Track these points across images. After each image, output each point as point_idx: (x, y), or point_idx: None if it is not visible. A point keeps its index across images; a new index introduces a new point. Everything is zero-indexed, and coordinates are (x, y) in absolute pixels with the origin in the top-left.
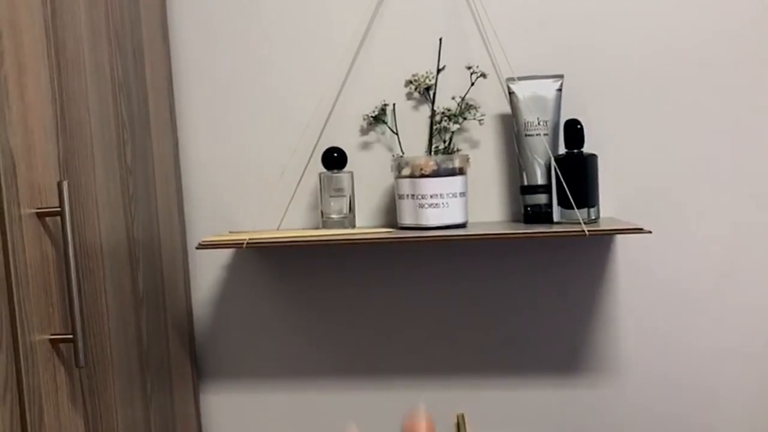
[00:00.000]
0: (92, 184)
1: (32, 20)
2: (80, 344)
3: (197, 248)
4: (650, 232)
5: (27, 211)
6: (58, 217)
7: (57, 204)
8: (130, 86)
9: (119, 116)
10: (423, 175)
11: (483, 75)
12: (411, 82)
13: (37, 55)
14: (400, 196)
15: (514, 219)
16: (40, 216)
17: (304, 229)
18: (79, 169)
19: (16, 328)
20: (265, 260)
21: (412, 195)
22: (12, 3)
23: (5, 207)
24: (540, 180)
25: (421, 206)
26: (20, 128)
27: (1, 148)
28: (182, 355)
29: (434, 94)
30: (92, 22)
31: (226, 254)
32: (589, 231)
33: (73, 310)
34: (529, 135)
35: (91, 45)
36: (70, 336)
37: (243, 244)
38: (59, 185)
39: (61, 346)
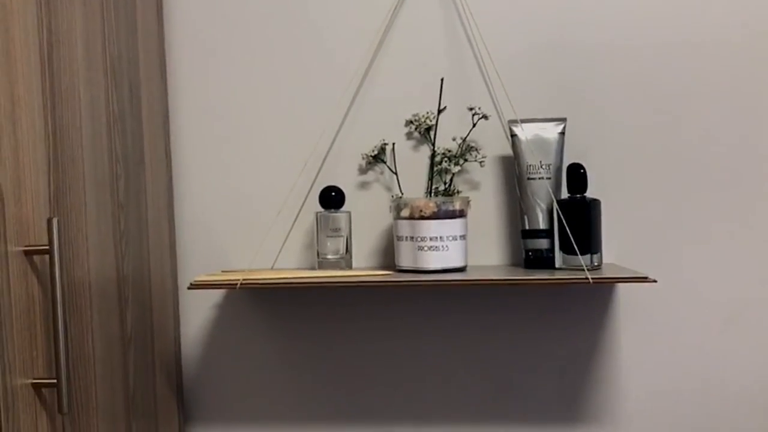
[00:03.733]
0: (83, 221)
1: (28, 53)
2: (64, 389)
3: (189, 288)
4: (655, 281)
5: (14, 248)
6: (47, 256)
7: (46, 242)
8: (126, 121)
9: (113, 151)
10: (422, 217)
11: (485, 116)
12: (411, 122)
13: (31, 88)
14: (399, 238)
15: (515, 263)
16: (28, 254)
17: (298, 269)
18: (70, 205)
19: None
20: (258, 300)
21: (411, 237)
22: (7, 34)
23: None
24: (542, 224)
25: (420, 248)
26: (11, 163)
27: None
28: (169, 398)
29: (435, 134)
30: (89, 56)
31: (217, 293)
32: (593, 279)
33: (59, 354)
34: (532, 178)
35: (86, 79)
36: (54, 381)
37: (236, 285)
38: (49, 222)
39: (44, 391)
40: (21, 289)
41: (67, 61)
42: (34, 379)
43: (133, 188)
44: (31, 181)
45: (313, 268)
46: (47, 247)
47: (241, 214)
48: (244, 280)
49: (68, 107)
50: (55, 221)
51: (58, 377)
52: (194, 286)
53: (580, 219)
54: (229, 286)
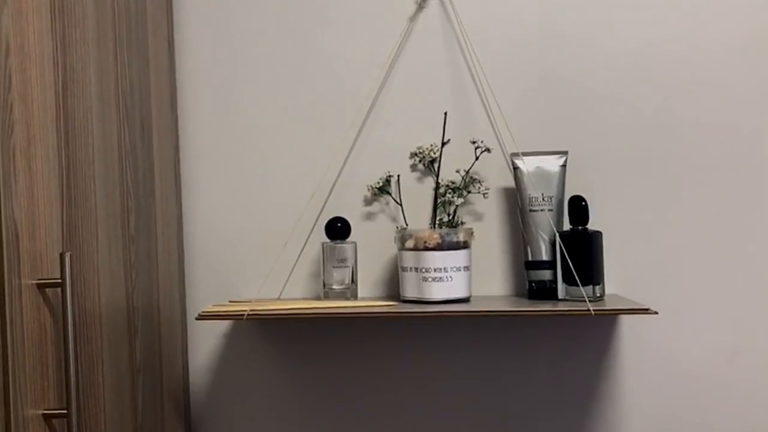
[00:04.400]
0: (94, 254)
1: (43, 91)
2: (74, 420)
3: (197, 319)
4: (656, 312)
5: (27, 281)
6: (59, 289)
7: (58, 275)
8: (137, 154)
9: (124, 185)
10: (427, 248)
11: (487, 150)
12: (416, 154)
13: (46, 125)
14: (404, 269)
15: (518, 293)
16: (41, 287)
17: (305, 298)
18: (82, 238)
19: (9, 402)
20: (264, 330)
21: (416, 268)
22: (24, 74)
23: (5, 278)
24: (545, 255)
25: (425, 279)
26: (25, 199)
27: (5, 218)
28: (177, 427)
29: (439, 166)
30: (102, 92)
31: (225, 323)
32: (594, 310)
33: (69, 385)
34: (534, 210)
35: (99, 114)
36: (65, 411)
37: (244, 315)
38: (61, 257)
39: (55, 421)
40: (33, 321)
41: (81, 97)
42: (45, 410)
43: (143, 221)
44: (44, 216)
45: (319, 298)
46: (59, 281)
47: (248, 244)
48: (251, 311)
49: (81, 143)
50: (67, 256)
51: (68, 408)
52: (203, 317)
53: (581, 251)
54: (237, 317)
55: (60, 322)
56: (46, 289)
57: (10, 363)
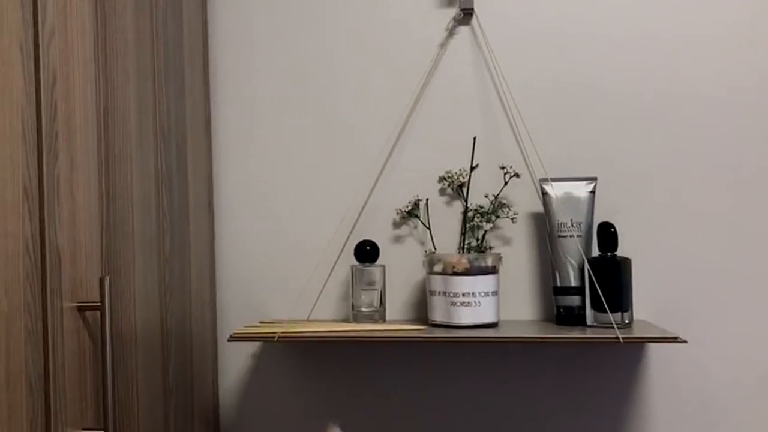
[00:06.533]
0: (131, 276)
1: (86, 119)
2: None
3: (229, 340)
4: (685, 341)
5: (68, 304)
6: (98, 312)
7: (98, 298)
8: (172, 178)
9: (160, 208)
10: (455, 273)
11: (516, 175)
12: (444, 178)
13: (88, 152)
14: (432, 293)
15: (546, 318)
16: (81, 310)
17: (334, 320)
18: (120, 262)
19: (50, 421)
20: (294, 350)
21: (444, 292)
22: (68, 103)
23: (48, 301)
24: (573, 281)
25: (453, 304)
26: (68, 225)
27: (49, 244)
28: None
29: (467, 191)
30: (141, 119)
31: (255, 344)
32: (623, 338)
33: (107, 405)
34: (563, 236)
35: (138, 141)
36: (102, 430)
37: (275, 337)
38: (101, 281)
39: None
40: (74, 344)
41: (121, 124)
42: (83, 428)
43: (177, 243)
44: (85, 241)
45: (347, 320)
46: (99, 304)
47: (278, 266)
48: (281, 333)
49: (121, 168)
50: (107, 280)
51: (105, 427)
52: (234, 338)
53: (610, 277)
54: (268, 338)
55: (98, 344)
56: (86, 312)
57: (51, 383)
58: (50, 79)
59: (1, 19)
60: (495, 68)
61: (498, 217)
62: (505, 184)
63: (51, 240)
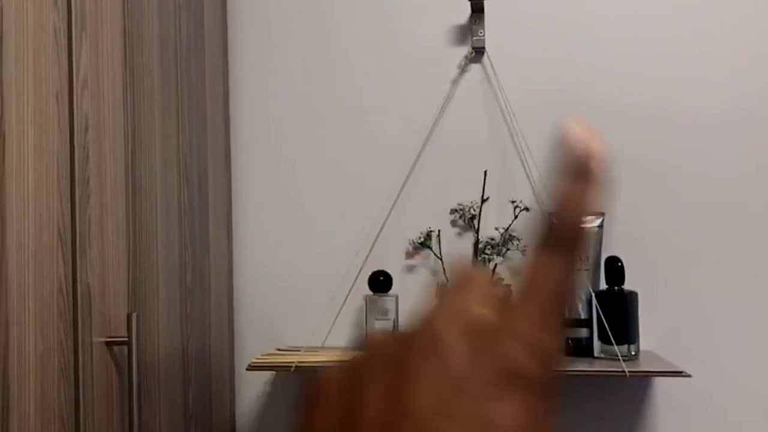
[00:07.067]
0: (155, 309)
1: (115, 161)
2: None
3: (247, 370)
4: (690, 375)
5: (97, 339)
6: (125, 346)
7: (125, 333)
8: (194, 211)
9: (183, 241)
10: None
11: (526, 209)
12: (456, 210)
13: (117, 192)
14: None
15: None
16: (109, 344)
17: (348, 347)
18: (145, 296)
19: None
20: (309, 378)
21: None
22: (99, 147)
23: (80, 337)
24: (581, 314)
25: None
26: (97, 263)
27: (80, 284)
28: None
29: (479, 222)
30: (165, 155)
31: (272, 372)
32: (629, 372)
33: None
34: None
35: (162, 177)
36: None
37: (291, 367)
38: (128, 318)
39: None
40: (102, 377)
41: (147, 163)
42: None
43: (198, 274)
44: (113, 277)
45: None
46: (126, 339)
47: (295, 295)
48: (298, 362)
49: (147, 205)
50: (134, 316)
51: None
52: (252, 368)
53: (617, 310)
54: (285, 368)
55: (125, 377)
56: (114, 347)
57: (81, 415)
58: (83, 125)
59: (40, 73)
60: (505, 105)
61: (508, 249)
62: (515, 217)
63: (82, 280)
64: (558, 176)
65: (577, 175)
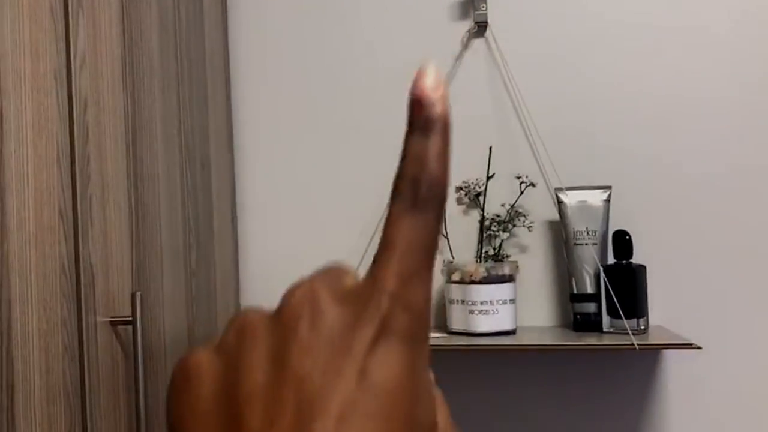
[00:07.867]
0: (160, 290)
1: (115, 141)
2: None
3: None
4: (700, 347)
5: (101, 319)
6: (130, 326)
7: (129, 313)
8: (197, 193)
9: (187, 222)
10: (473, 282)
11: (532, 184)
12: (461, 188)
13: (118, 172)
14: (450, 301)
15: (563, 324)
16: (113, 324)
17: None
18: (149, 276)
19: (86, 430)
20: None
21: (462, 300)
22: (99, 126)
23: (83, 316)
24: (589, 288)
25: (471, 312)
26: (100, 243)
27: (83, 263)
28: None
29: (484, 200)
30: (166, 136)
31: None
32: (639, 345)
33: (139, 415)
34: (578, 244)
35: (164, 157)
36: None
37: None
38: (133, 297)
39: None
40: (107, 357)
41: (148, 143)
42: None
43: (203, 256)
44: (117, 257)
45: None
46: (131, 319)
47: (300, 274)
48: None
49: (149, 185)
50: (138, 295)
51: None
52: None
53: (626, 284)
54: None
55: (130, 357)
56: (118, 326)
57: (87, 395)
58: (82, 104)
59: (37, 51)
60: (509, 79)
61: (514, 225)
62: (521, 193)
63: (85, 259)
64: (406, 131)
65: (421, 127)
